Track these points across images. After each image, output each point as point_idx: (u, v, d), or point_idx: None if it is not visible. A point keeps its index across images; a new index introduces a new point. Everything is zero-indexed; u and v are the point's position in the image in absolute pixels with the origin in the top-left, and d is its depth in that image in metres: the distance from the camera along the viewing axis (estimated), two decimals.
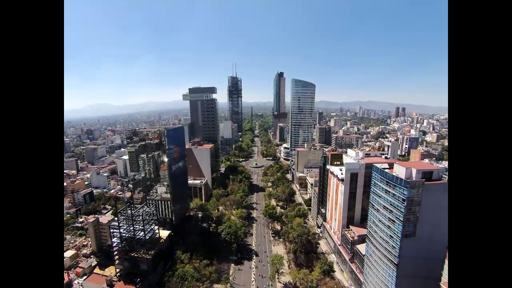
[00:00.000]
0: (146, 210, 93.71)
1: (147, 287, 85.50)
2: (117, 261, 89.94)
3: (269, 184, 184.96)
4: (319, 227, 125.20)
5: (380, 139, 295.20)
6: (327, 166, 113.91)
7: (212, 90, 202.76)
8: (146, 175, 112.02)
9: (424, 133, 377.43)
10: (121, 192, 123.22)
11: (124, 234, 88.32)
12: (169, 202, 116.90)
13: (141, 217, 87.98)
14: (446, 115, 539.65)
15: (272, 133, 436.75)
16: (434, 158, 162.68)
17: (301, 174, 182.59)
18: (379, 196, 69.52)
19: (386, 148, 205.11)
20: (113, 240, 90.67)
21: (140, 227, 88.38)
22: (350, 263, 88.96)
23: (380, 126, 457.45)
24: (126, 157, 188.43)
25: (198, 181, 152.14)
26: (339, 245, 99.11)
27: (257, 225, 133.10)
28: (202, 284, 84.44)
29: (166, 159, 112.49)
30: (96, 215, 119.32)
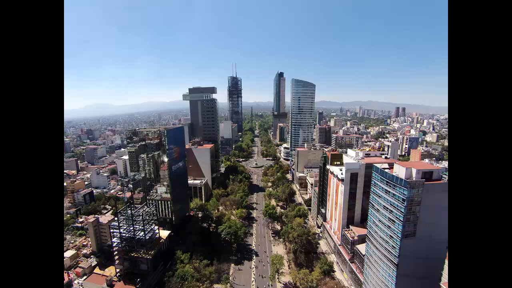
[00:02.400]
0: (146, 210, 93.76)
1: (147, 287, 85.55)
2: (117, 261, 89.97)
3: (269, 184, 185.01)
4: (319, 227, 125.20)
5: (380, 139, 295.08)
6: (327, 166, 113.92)
7: (212, 90, 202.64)
8: (146, 175, 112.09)
9: (424, 133, 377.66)
10: (121, 192, 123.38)
11: (124, 234, 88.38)
12: (169, 202, 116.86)
13: (141, 217, 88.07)
14: (446, 115, 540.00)
15: (272, 133, 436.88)
16: (434, 158, 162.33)
17: (301, 174, 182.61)
18: (379, 196, 69.53)
19: (386, 148, 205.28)
20: (113, 240, 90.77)
21: (140, 227, 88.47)
22: (350, 263, 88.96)
23: (380, 126, 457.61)
24: (126, 157, 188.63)
25: (198, 181, 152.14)
26: (339, 245, 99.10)
27: (257, 225, 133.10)
28: (202, 284, 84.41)
29: (166, 159, 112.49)
30: (96, 215, 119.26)
